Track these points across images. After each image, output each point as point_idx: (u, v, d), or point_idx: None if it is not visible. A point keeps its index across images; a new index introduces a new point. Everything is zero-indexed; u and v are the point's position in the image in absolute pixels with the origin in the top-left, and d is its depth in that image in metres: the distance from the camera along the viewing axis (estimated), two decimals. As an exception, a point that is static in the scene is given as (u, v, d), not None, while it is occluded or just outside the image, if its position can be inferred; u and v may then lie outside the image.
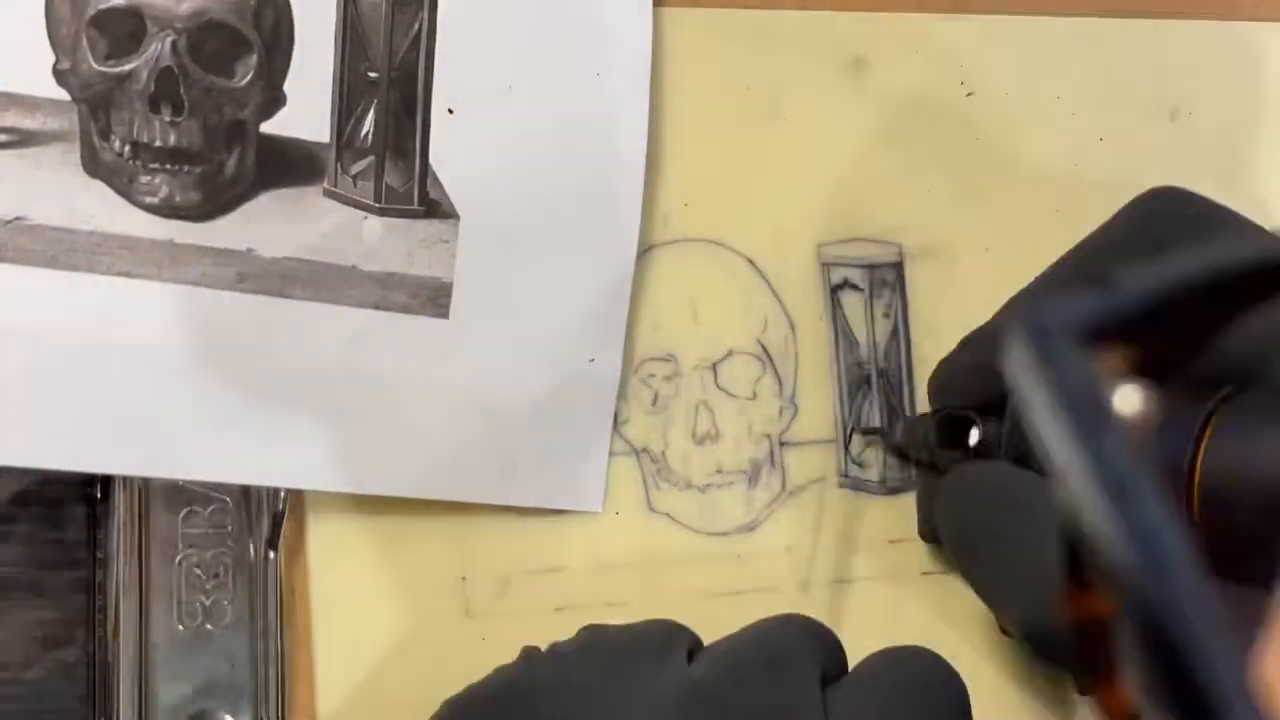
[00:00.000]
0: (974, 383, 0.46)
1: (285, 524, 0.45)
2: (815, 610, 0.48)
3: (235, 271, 0.45)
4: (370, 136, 0.46)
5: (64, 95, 0.44)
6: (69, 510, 0.45)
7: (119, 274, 0.43)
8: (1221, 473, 0.38)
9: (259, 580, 0.45)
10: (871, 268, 0.51)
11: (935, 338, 0.51)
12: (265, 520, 0.45)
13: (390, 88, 0.47)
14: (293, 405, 0.45)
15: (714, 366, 0.50)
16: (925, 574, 0.50)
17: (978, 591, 0.46)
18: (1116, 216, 0.45)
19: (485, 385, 0.47)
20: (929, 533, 0.50)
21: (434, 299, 0.46)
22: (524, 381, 0.47)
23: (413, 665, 0.46)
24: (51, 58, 0.43)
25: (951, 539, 0.47)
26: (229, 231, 0.45)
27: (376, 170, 0.46)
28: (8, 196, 0.43)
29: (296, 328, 0.45)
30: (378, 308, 0.46)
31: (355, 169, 0.46)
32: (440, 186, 0.47)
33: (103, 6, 0.44)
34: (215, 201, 0.45)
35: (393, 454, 0.46)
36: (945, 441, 0.47)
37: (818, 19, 0.52)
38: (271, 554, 0.45)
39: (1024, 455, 0.43)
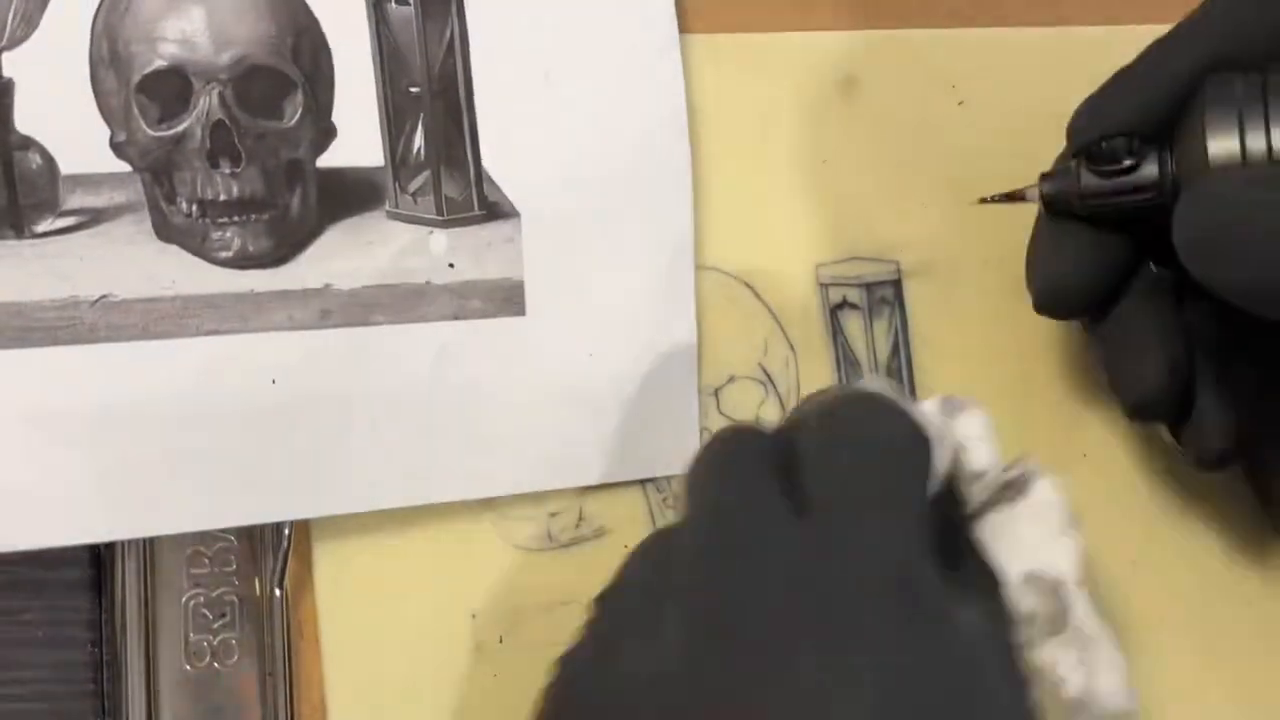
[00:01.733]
0: (1129, 105, 0.43)
1: (290, 561, 0.46)
2: None
3: (318, 309, 0.45)
4: (422, 151, 0.47)
5: (125, 167, 0.44)
6: (73, 553, 0.45)
7: (209, 333, 0.44)
8: None
9: (265, 618, 0.45)
10: (870, 286, 0.51)
11: (936, 353, 0.52)
12: (270, 558, 0.46)
13: (434, 99, 0.47)
14: (391, 428, 0.46)
15: (716, 393, 0.50)
16: None
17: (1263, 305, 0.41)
18: None
19: (572, 372, 0.48)
20: (1050, 295, 0.46)
21: (509, 298, 0.47)
22: (608, 360, 0.48)
23: (424, 704, 0.47)
24: (107, 132, 0.44)
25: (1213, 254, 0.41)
26: (305, 271, 0.45)
27: (434, 184, 0.47)
28: (90, 277, 0.43)
29: (384, 353, 0.46)
30: (457, 318, 0.47)
31: (413, 186, 0.47)
32: (497, 188, 0.47)
33: (147, 71, 0.44)
34: (286, 244, 0.45)
35: (493, 456, 0.47)
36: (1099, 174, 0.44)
37: (808, 40, 0.52)
38: (278, 591, 0.45)
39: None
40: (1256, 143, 0.41)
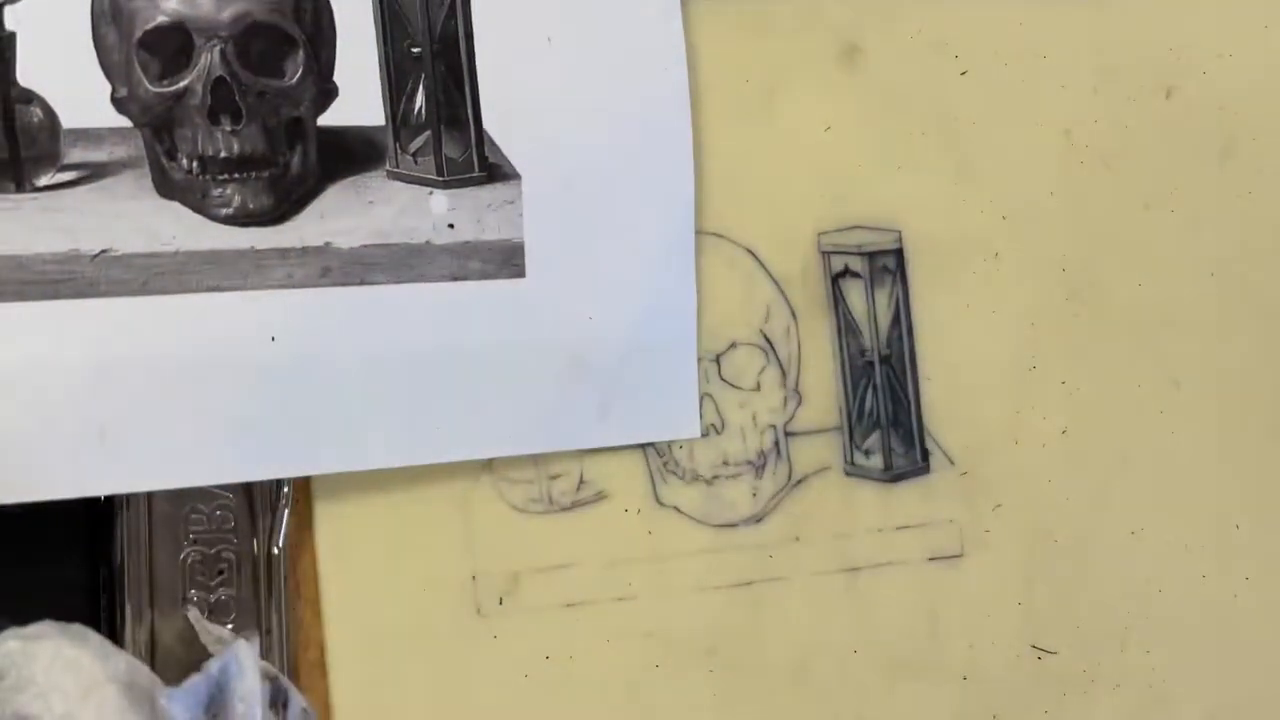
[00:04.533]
0: None
1: (289, 520, 0.46)
2: (824, 598, 0.50)
3: (318, 267, 0.45)
4: (423, 112, 0.47)
5: (126, 122, 0.44)
6: (74, 507, 0.45)
7: (209, 289, 0.44)
8: None
9: (263, 576, 0.45)
10: (871, 255, 0.51)
11: (937, 322, 0.52)
12: (268, 516, 0.46)
13: (435, 60, 0.47)
14: (390, 387, 0.46)
15: (717, 359, 0.50)
16: (931, 560, 0.51)
17: None
18: None
19: (570, 334, 0.48)
20: None
21: (508, 260, 0.47)
22: (606, 324, 0.48)
23: (426, 664, 0.47)
24: (108, 87, 0.44)
25: None
26: (304, 229, 0.46)
27: (434, 144, 0.47)
28: (91, 231, 0.43)
29: (383, 312, 0.46)
30: (456, 278, 0.47)
31: (413, 146, 0.47)
32: (498, 149, 0.48)
33: (148, 27, 0.44)
34: (286, 202, 0.45)
35: (491, 417, 0.47)
36: None
37: (812, 7, 0.52)
38: (276, 550, 0.46)
39: None
40: None
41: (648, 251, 0.49)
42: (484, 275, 0.47)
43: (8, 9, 0.43)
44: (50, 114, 0.43)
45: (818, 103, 0.52)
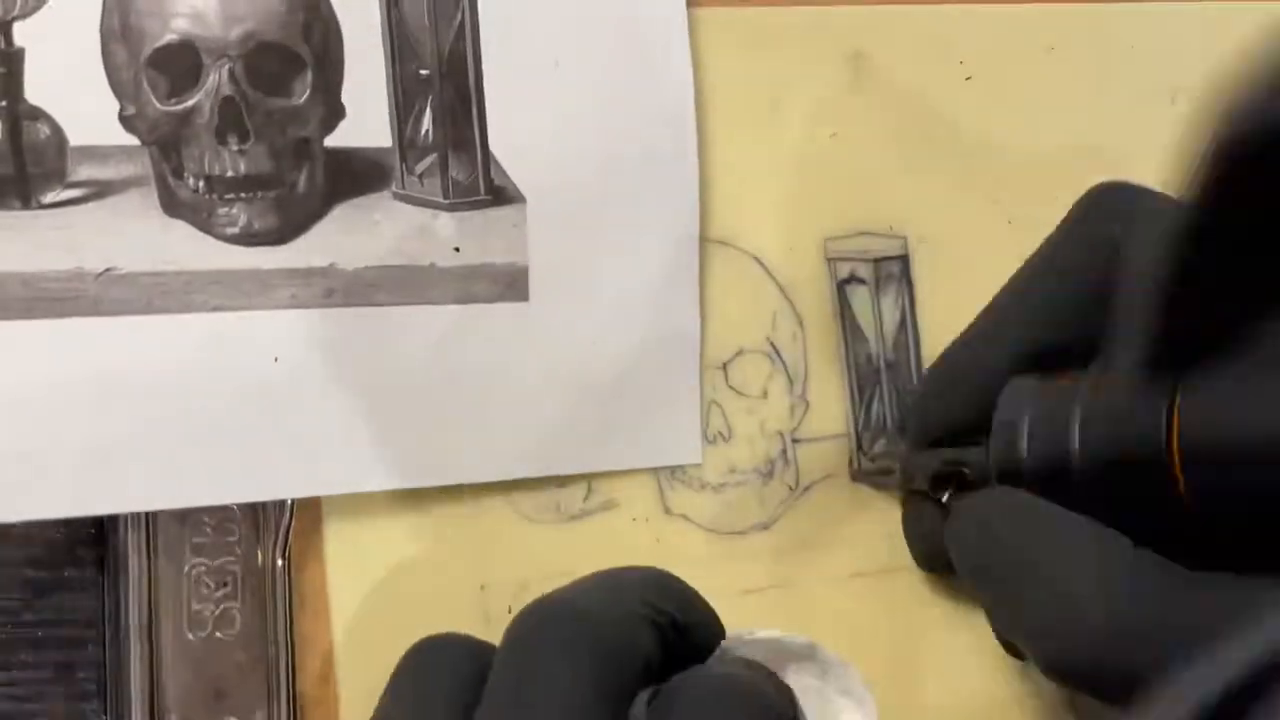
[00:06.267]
0: (950, 418, 0.47)
1: (295, 531, 0.46)
2: (831, 605, 0.50)
3: (323, 288, 0.45)
4: (430, 134, 0.47)
5: (133, 140, 0.44)
6: (74, 552, 0.45)
7: (213, 309, 0.44)
8: (1200, 447, 0.37)
9: (268, 588, 0.45)
10: (877, 261, 0.51)
11: (943, 327, 0.51)
12: (273, 528, 0.46)
13: (443, 82, 0.47)
14: (393, 410, 0.46)
15: (724, 366, 0.50)
16: None
17: (999, 624, 0.45)
18: (1063, 226, 0.45)
19: (573, 358, 0.48)
20: (928, 562, 0.50)
21: (513, 283, 0.47)
22: (610, 348, 0.48)
23: None
24: (116, 105, 0.44)
25: (971, 571, 0.45)
26: (310, 250, 0.45)
27: (441, 166, 0.47)
28: (95, 249, 0.43)
29: (387, 333, 0.46)
30: (460, 301, 0.47)
31: (420, 168, 0.47)
32: (504, 172, 0.47)
33: (157, 45, 0.44)
34: (292, 222, 0.45)
35: (492, 441, 0.47)
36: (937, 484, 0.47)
37: (817, 14, 0.52)
38: (280, 561, 0.45)
39: (1013, 477, 0.43)
40: (1047, 449, 0.42)
41: (652, 274, 0.49)
42: (488, 298, 0.47)
43: (18, 24, 0.43)
44: (57, 131, 0.43)
45: (823, 109, 0.52)
